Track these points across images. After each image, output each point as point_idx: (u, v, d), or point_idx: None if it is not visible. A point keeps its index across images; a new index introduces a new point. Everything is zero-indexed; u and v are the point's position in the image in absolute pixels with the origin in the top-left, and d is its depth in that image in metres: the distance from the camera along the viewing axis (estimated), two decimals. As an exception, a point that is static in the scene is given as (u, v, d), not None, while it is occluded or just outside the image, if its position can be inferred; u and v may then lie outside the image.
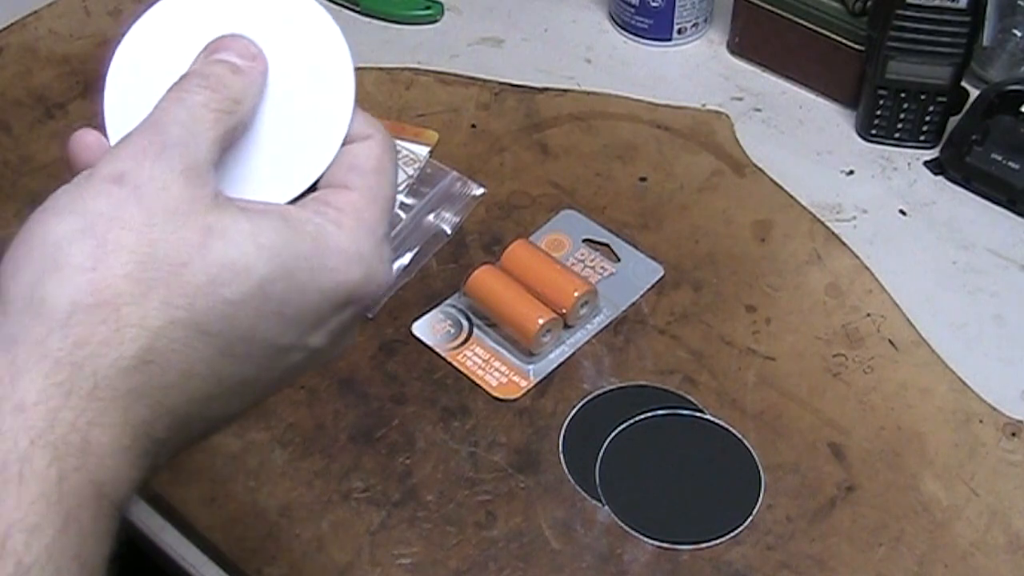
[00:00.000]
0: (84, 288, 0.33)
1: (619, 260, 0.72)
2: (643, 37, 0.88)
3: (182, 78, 0.38)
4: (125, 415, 0.34)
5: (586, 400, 0.65)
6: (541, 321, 0.65)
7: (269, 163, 0.39)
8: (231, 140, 0.38)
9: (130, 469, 0.34)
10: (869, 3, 0.77)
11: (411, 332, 0.68)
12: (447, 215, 0.74)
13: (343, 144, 0.40)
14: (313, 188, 0.40)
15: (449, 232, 0.73)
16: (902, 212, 0.76)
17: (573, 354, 0.67)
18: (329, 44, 0.41)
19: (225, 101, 0.38)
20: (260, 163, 0.39)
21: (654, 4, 0.86)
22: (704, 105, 0.83)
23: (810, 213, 0.75)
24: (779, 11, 0.81)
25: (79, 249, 0.34)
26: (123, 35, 0.41)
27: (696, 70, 0.86)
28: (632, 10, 0.87)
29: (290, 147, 0.40)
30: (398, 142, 0.78)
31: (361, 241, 0.38)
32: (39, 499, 0.31)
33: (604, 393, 0.65)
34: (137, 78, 0.40)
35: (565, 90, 0.84)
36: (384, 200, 0.40)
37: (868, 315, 0.69)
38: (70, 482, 0.32)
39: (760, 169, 0.78)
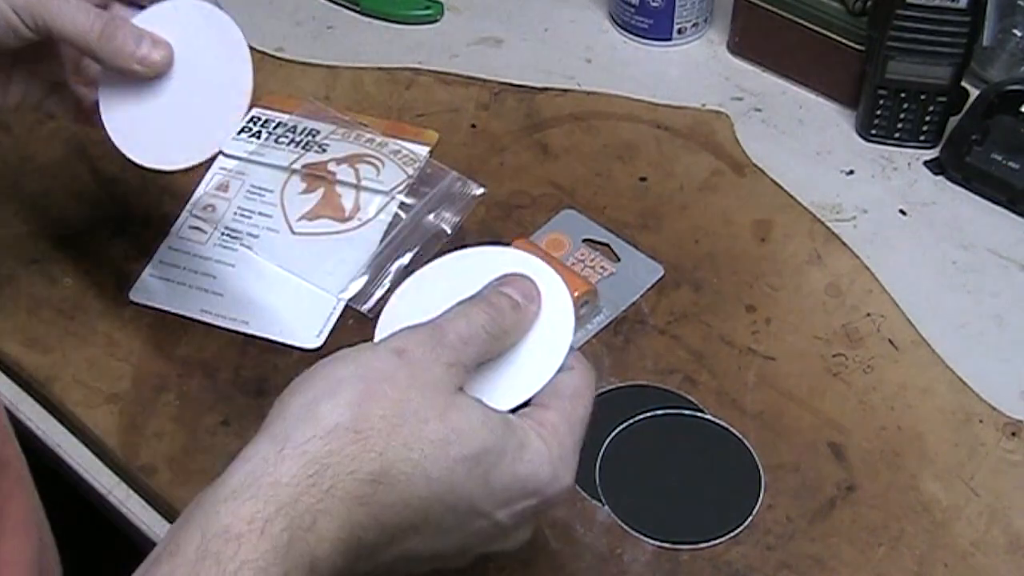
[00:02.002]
0: (348, 416, 0.44)
1: (619, 260, 0.72)
2: (643, 37, 0.88)
3: (473, 298, 0.49)
4: (348, 513, 0.43)
5: (586, 400, 0.65)
6: (541, 321, 0.65)
7: (505, 381, 0.50)
8: (487, 359, 0.49)
9: (336, 556, 0.43)
10: (869, 3, 0.77)
11: (411, 332, 0.68)
12: (447, 215, 0.74)
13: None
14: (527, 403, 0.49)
15: (449, 232, 0.73)
16: (902, 212, 0.76)
17: (573, 354, 0.67)
18: (557, 295, 0.51)
19: (498, 330, 0.48)
20: (498, 378, 0.50)
21: (654, 4, 0.86)
22: (704, 105, 0.83)
23: (810, 213, 0.75)
24: (779, 11, 0.81)
25: (353, 388, 0.44)
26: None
27: (696, 70, 0.86)
28: (632, 10, 0.87)
29: (519, 373, 0.50)
30: (398, 142, 0.78)
31: (553, 449, 0.47)
32: (270, 551, 0.40)
33: (604, 393, 0.65)
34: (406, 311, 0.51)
35: (565, 90, 0.84)
36: (576, 421, 0.49)
37: (868, 315, 0.69)
38: (295, 548, 0.41)
39: (760, 169, 0.78)
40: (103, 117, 0.59)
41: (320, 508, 0.42)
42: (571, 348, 0.51)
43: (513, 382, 0.50)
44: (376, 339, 0.50)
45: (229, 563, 0.40)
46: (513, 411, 0.49)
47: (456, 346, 0.47)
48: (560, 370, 0.50)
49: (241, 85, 0.58)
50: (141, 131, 0.58)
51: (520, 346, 0.50)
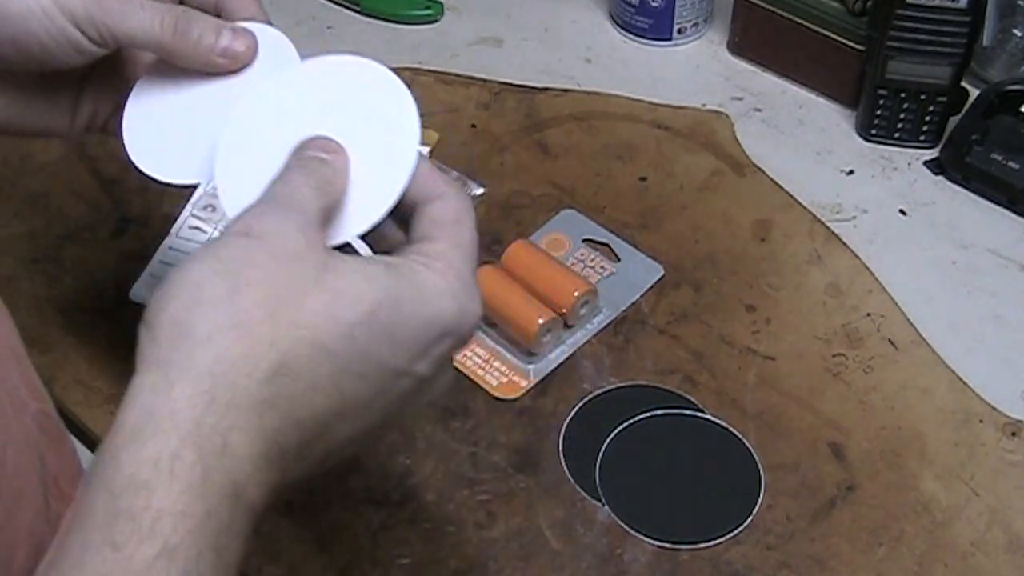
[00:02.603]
0: (223, 315, 0.39)
1: (619, 260, 0.72)
2: (643, 37, 0.88)
3: (284, 169, 0.45)
4: (260, 421, 0.39)
5: (586, 400, 0.65)
6: (541, 321, 0.65)
7: (356, 199, 0.47)
8: (331, 213, 0.45)
9: (260, 473, 0.39)
10: (869, 3, 0.77)
11: (411, 332, 0.68)
12: None
13: (425, 203, 0.47)
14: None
15: None
16: (902, 212, 0.76)
17: (573, 354, 0.67)
18: (399, 104, 0.48)
19: (320, 181, 0.45)
20: (351, 201, 0.47)
21: (654, 4, 0.86)
22: (704, 105, 0.83)
23: (810, 213, 0.75)
24: (779, 11, 0.82)
25: (218, 285, 0.40)
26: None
27: (696, 70, 0.86)
28: (632, 10, 0.87)
29: (371, 187, 0.47)
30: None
31: (451, 280, 0.44)
32: (186, 491, 0.36)
33: (604, 393, 0.65)
34: (243, 149, 0.49)
35: (565, 90, 0.84)
36: (467, 245, 0.46)
37: (868, 315, 0.69)
38: (212, 479, 0.37)
39: (760, 169, 0.78)
40: (125, 120, 0.54)
41: (227, 425, 0.38)
42: (425, 167, 0.47)
43: (365, 206, 0.46)
44: (223, 203, 0.47)
45: (143, 516, 0.36)
46: (365, 237, 0.47)
47: (295, 206, 0.43)
48: (428, 199, 0.47)
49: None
50: (161, 141, 0.53)
51: (362, 172, 0.47)
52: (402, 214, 0.47)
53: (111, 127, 0.57)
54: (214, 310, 0.39)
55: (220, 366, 0.39)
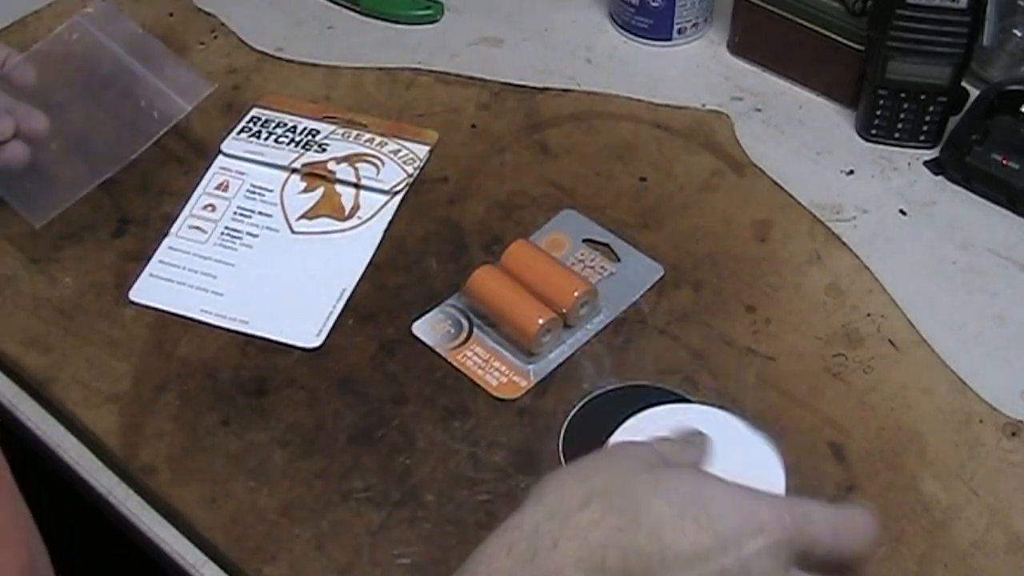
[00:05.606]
0: None
1: (619, 260, 0.72)
2: (643, 37, 0.88)
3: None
4: None
5: (586, 400, 0.65)
6: (541, 321, 0.65)
7: None
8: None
9: None
10: (869, 3, 0.77)
11: (411, 332, 0.68)
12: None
13: None
14: None
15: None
16: (902, 212, 0.76)
17: (573, 354, 0.67)
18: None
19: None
20: None
21: (654, 4, 0.86)
22: (704, 105, 0.83)
23: (810, 213, 0.75)
24: (779, 11, 0.82)
25: None
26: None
27: (696, 70, 0.86)
28: (632, 10, 0.87)
29: None
30: (398, 142, 0.78)
31: None
32: None
33: (604, 393, 0.65)
34: None
35: (565, 90, 0.84)
36: None
37: (868, 315, 0.69)
38: None
39: (760, 169, 0.78)
40: None
41: None
42: None
43: None
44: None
45: None
46: None
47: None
48: None
49: None
50: None
51: None
52: None
53: None
54: None
55: None
